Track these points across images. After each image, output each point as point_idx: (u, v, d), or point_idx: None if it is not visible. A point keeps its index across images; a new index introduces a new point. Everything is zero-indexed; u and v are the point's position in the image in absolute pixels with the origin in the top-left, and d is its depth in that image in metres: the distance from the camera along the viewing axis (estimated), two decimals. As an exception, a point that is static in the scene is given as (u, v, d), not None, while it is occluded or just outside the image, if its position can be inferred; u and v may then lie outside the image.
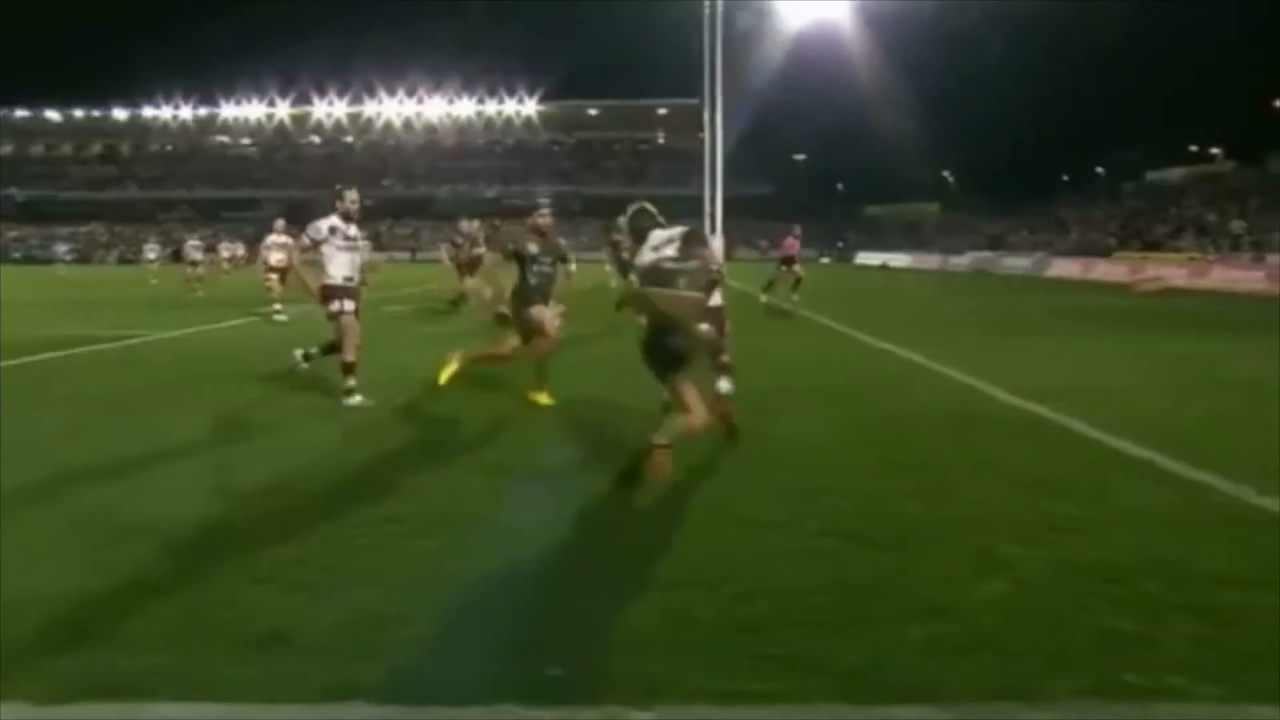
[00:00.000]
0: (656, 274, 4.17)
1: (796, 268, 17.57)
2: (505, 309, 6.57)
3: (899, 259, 50.61)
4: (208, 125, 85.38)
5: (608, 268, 14.25)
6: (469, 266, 14.25)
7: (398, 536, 3.52)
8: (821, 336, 11.64)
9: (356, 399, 6.39)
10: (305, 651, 2.50)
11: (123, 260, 59.53)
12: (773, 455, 4.83)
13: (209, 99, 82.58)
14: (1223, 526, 3.53)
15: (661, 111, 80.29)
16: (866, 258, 54.99)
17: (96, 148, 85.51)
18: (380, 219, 67.85)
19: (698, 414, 4.01)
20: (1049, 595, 2.87)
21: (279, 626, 2.65)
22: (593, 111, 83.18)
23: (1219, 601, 2.77)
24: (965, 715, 2.17)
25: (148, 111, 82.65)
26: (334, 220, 6.57)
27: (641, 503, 4.05)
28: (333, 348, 6.75)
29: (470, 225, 14.74)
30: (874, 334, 10.83)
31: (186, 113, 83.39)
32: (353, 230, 6.66)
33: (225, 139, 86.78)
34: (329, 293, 6.54)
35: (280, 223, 15.59)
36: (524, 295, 6.40)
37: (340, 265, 6.55)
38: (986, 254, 45.14)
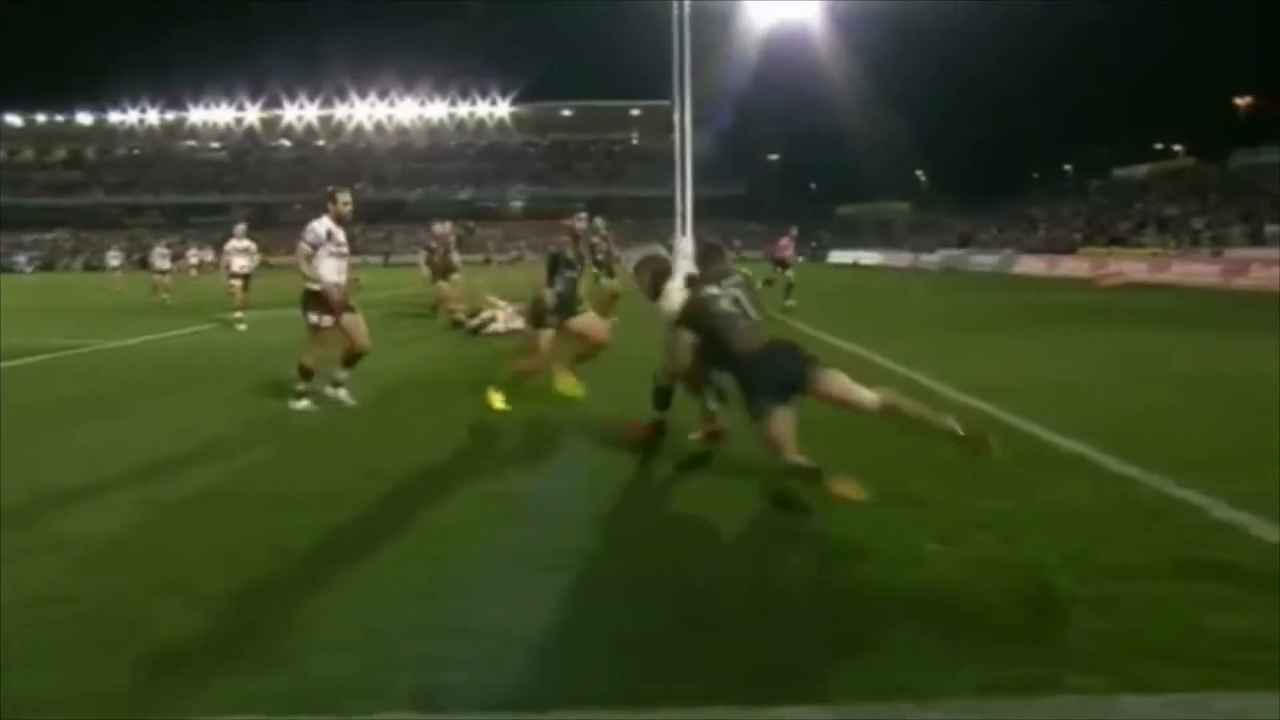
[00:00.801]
0: (707, 306, 4.25)
1: (788, 272, 17.44)
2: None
3: (871, 257, 51.05)
4: (175, 129, 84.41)
5: (594, 269, 14.24)
6: (443, 271, 14.13)
7: (324, 543, 3.49)
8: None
9: (304, 403, 6.33)
10: (205, 663, 2.47)
11: (88, 267, 58.54)
12: (710, 458, 4.85)
13: (177, 102, 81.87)
14: (1140, 520, 3.58)
15: (635, 113, 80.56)
16: (839, 256, 55.43)
17: (61, 153, 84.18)
18: (353, 223, 67.20)
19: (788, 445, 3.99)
20: (960, 593, 2.90)
21: (180, 639, 2.61)
22: (566, 113, 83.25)
23: (1121, 593, 2.82)
24: (858, 715, 2.19)
25: (114, 116, 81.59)
26: (329, 225, 6.45)
27: (576, 507, 4.05)
28: (350, 359, 6.56)
29: (443, 228, 14.59)
30: (838, 335, 10.87)
31: (154, 117, 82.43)
32: (342, 236, 6.55)
33: (194, 143, 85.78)
34: (314, 300, 6.35)
35: (241, 228, 15.34)
36: (539, 309, 6.11)
37: (328, 271, 6.43)
38: (956, 252, 45.65)
